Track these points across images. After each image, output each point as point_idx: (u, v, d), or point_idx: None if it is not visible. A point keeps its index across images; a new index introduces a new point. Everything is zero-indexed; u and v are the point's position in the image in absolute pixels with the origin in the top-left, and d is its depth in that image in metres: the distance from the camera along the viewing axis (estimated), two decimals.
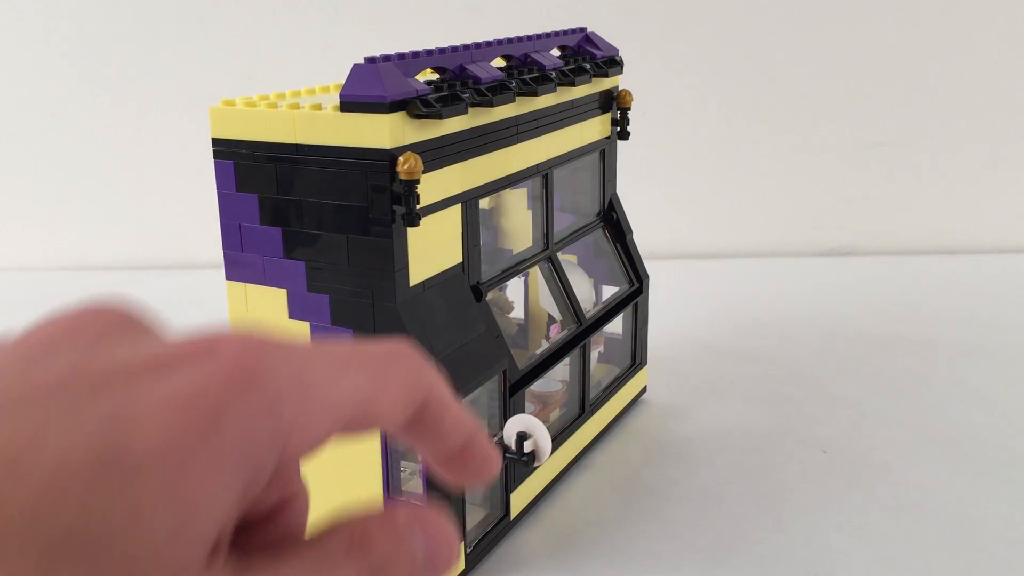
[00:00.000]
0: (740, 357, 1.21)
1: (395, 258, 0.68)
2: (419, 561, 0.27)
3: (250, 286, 0.75)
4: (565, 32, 0.95)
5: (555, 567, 0.77)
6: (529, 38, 0.88)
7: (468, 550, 0.75)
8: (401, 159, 0.66)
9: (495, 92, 0.75)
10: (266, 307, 0.74)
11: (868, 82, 1.62)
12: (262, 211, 0.72)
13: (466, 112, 0.71)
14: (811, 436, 0.99)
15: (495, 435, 0.75)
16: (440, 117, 0.68)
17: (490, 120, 0.77)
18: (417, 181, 0.66)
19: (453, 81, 0.74)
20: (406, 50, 0.72)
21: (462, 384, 0.71)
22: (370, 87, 0.66)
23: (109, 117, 1.66)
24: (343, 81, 0.69)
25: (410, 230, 0.69)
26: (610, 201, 1.03)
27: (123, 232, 1.71)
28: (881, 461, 0.93)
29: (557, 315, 0.94)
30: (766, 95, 1.63)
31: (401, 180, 0.66)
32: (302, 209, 0.70)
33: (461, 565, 0.74)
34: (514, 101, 0.78)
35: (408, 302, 0.70)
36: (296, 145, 0.69)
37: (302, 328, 0.73)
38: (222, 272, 0.76)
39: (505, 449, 0.70)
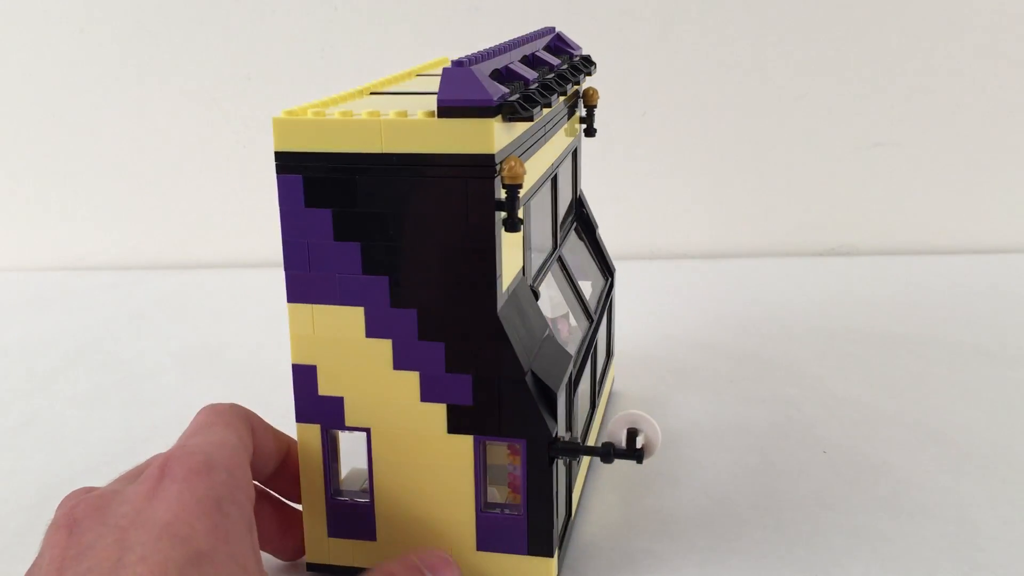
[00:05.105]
0: (740, 357, 1.21)
1: (496, 265, 0.66)
2: None
3: (317, 307, 0.70)
4: (539, 33, 0.94)
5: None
6: (520, 40, 0.87)
7: None
8: (505, 163, 0.64)
9: (548, 92, 0.74)
10: (338, 327, 0.70)
11: (868, 82, 1.62)
12: (336, 226, 0.67)
13: (541, 114, 0.70)
14: (811, 436, 0.99)
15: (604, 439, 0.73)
16: (532, 119, 0.66)
17: (536, 121, 0.75)
18: (520, 185, 0.64)
19: (511, 82, 0.72)
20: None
21: (555, 385, 0.70)
22: (472, 90, 0.63)
23: (108, 117, 1.65)
24: (356, 85, 0.67)
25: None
26: (579, 198, 1.03)
27: (123, 232, 1.71)
28: (881, 461, 0.94)
29: (569, 313, 0.95)
30: (766, 95, 1.63)
31: (505, 184, 0.64)
32: (387, 221, 0.66)
33: None
34: (559, 101, 0.76)
35: (503, 309, 0.68)
36: (384, 155, 0.65)
37: (383, 346, 0.69)
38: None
39: (615, 449, 0.68)
